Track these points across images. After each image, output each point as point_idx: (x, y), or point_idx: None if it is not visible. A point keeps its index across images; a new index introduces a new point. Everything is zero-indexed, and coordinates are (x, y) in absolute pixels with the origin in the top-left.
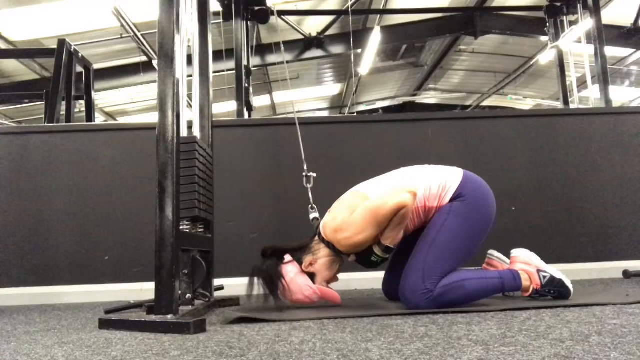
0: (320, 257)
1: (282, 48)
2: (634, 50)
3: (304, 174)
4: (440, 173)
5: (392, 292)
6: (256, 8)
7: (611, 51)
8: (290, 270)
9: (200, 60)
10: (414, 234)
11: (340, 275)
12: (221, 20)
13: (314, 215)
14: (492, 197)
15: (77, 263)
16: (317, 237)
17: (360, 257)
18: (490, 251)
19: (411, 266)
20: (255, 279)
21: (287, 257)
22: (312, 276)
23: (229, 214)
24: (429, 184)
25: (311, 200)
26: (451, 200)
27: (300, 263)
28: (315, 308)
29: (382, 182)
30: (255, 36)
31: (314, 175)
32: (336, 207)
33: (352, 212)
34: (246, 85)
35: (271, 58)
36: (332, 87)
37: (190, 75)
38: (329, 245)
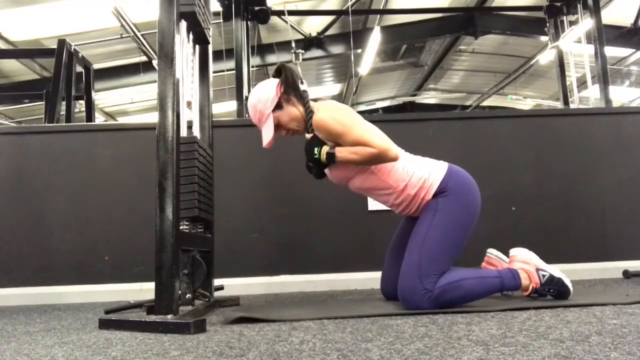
0: (297, 107)
1: (294, 46)
2: (634, 50)
3: (292, 51)
4: (425, 165)
5: (390, 292)
6: (256, 8)
7: (611, 51)
8: (273, 82)
9: (200, 61)
10: (405, 232)
11: (340, 276)
12: (221, 20)
13: (304, 88)
14: (477, 189)
15: (77, 263)
16: (306, 98)
17: (311, 140)
18: (490, 250)
19: (406, 267)
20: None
21: (278, 89)
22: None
23: (229, 214)
24: (412, 170)
25: (301, 75)
26: (436, 195)
27: (283, 96)
28: (315, 308)
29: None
30: (256, 36)
31: (303, 52)
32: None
33: (347, 112)
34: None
35: (271, 58)
36: (332, 87)
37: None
38: (308, 107)
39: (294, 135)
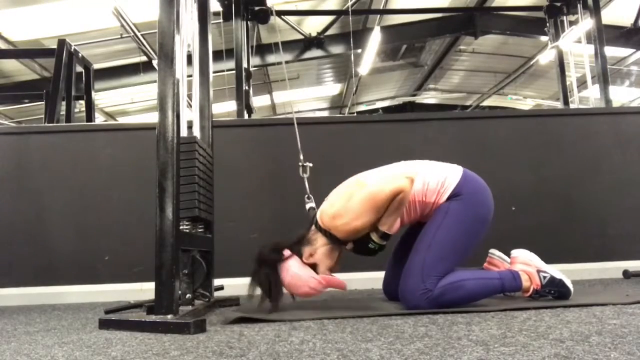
0: (319, 246)
1: (281, 48)
2: (634, 50)
3: (300, 163)
4: (440, 169)
5: (392, 292)
6: (256, 8)
7: (611, 51)
8: (292, 264)
9: (200, 60)
10: (412, 234)
11: (340, 275)
12: (221, 20)
13: (310, 205)
14: (490, 196)
15: (77, 263)
16: (314, 227)
17: (358, 244)
18: (492, 250)
19: (410, 266)
20: (257, 287)
21: (286, 252)
22: (314, 267)
23: (229, 214)
24: (428, 178)
25: (308, 191)
26: (449, 198)
27: (300, 256)
28: (315, 308)
29: (381, 170)
30: (255, 36)
31: (310, 164)
32: (333, 195)
33: (350, 199)
34: (246, 87)
35: (271, 58)
36: (332, 87)
37: (190, 75)
38: (326, 233)
39: (348, 248)
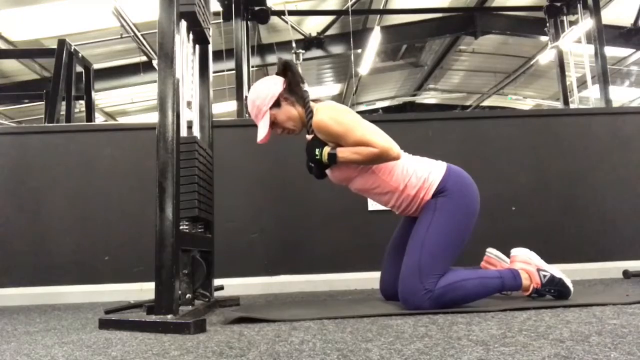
0: (296, 108)
1: (294, 45)
2: (634, 50)
3: (292, 51)
4: (424, 165)
5: (390, 293)
6: (256, 8)
7: (611, 51)
8: (276, 81)
9: (200, 61)
10: (404, 234)
11: (340, 275)
12: (221, 20)
13: (305, 88)
14: (476, 189)
15: (77, 263)
16: (306, 99)
17: (312, 141)
18: (489, 249)
19: (406, 268)
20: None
21: (283, 79)
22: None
23: (229, 214)
24: (412, 170)
25: (301, 75)
26: (435, 195)
27: (283, 95)
28: (315, 308)
29: None
30: (256, 36)
31: (303, 52)
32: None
33: (347, 113)
34: (247, 116)
35: (271, 58)
36: (332, 87)
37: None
38: (309, 108)
39: (290, 135)
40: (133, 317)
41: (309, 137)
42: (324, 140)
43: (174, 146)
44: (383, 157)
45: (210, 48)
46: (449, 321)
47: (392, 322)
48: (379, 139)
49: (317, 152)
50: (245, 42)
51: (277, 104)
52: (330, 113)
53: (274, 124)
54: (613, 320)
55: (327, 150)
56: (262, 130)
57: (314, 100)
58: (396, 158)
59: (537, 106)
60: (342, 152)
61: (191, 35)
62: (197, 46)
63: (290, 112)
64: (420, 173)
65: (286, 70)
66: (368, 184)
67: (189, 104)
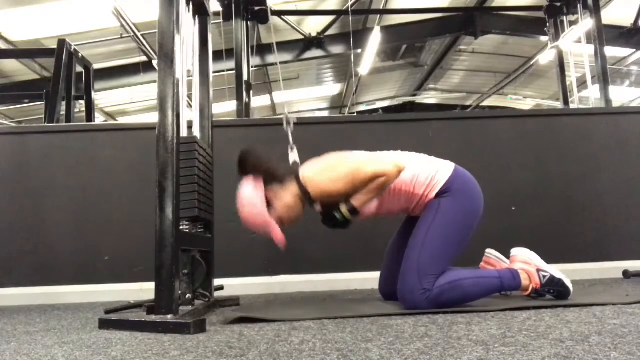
0: (288, 193)
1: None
2: (634, 50)
3: (282, 115)
4: (432, 163)
5: (389, 292)
6: (256, 8)
7: (611, 51)
8: (255, 187)
9: (200, 60)
10: (404, 233)
11: (340, 275)
12: (221, 20)
13: (294, 158)
14: (480, 191)
15: (77, 263)
16: (292, 175)
17: (326, 209)
18: (488, 250)
19: (406, 267)
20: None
21: (258, 177)
22: (269, 207)
23: (229, 214)
24: (419, 170)
25: (291, 141)
26: (439, 194)
27: (267, 187)
28: (315, 308)
29: (377, 153)
30: (256, 36)
31: (295, 117)
32: (324, 156)
33: (336, 164)
34: (246, 100)
35: (271, 58)
36: (332, 87)
37: (190, 75)
38: (301, 185)
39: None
40: (133, 317)
41: (318, 208)
42: (332, 202)
43: (174, 146)
44: (390, 179)
45: (210, 21)
46: (449, 321)
47: (392, 322)
48: (375, 166)
49: (338, 217)
50: (245, 42)
51: (269, 204)
52: (321, 177)
53: (282, 222)
54: (613, 320)
55: (344, 209)
56: (277, 236)
57: (295, 165)
58: (402, 170)
59: (537, 106)
60: (358, 201)
61: (191, 7)
62: (196, 17)
63: (287, 201)
64: (427, 172)
65: (247, 166)
66: (399, 203)
67: (188, 72)
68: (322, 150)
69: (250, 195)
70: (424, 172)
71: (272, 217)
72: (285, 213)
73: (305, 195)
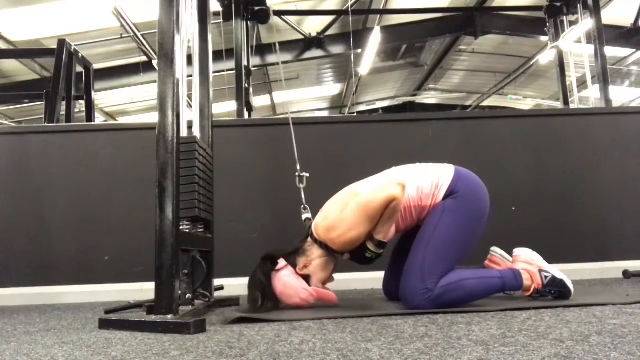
0: (314, 258)
1: (278, 48)
2: (634, 50)
3: (297, 174)
4: (432, 171)
5: (392, 292)
6: (256, 8)
7: (611, 51)
8: (284, 274)
9: (200, 60)
10: (411, 233)
11: (340, 275)
12: (221, 20)
13: (306, 215)
14: (485, 191)
15: (77, 263)
16: (309, 238)
17: (354, 254)
18: (493, 248)
19: (410, 267)
20: (254, 290)
21: (281, 262)
22: (307, 278)
23: (229, 214)
24: (422, 182)
25: (304, 201)
26: (444, 197)
27: (294, 266)
28: (314, 308)
29: (373, 179)
30: (255, 36)
31: (307, 175)
32: (327, 206)
33: (344, 209)
34: (246, 85)
35: (271, 58)
36: (332, 87)
37: (190, 75)
38: (322, 245)
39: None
40: (133, 317)
41: (346, 256)
42: (356, 247)
43: (174, 146)
44: (400, 199)
45: (210, 21)
46: (449, 321)
47: (392, 322)
48: (382, 193)
49: (369, 255)
50: (245, 42)
51: (304, 277)
52: (338, 231)
53: (324, 282)
54: (613, 320)
55: (372, 247)
56: (326, 298)
57: (308, 221)
58: (403, 189)
59: (537, 106)
60: (381, 234)
61: (191, 7)
62: (196, 17)
63: (315, 265)
64: (430, 181)
65: (269, 265)
66: (414, 219)
67: (189, 98)
68: (322, 150)
69: (283, 284)
70: (426, 182)
71: (314, 285)
72: (322, 276)
73: (330, 252)
